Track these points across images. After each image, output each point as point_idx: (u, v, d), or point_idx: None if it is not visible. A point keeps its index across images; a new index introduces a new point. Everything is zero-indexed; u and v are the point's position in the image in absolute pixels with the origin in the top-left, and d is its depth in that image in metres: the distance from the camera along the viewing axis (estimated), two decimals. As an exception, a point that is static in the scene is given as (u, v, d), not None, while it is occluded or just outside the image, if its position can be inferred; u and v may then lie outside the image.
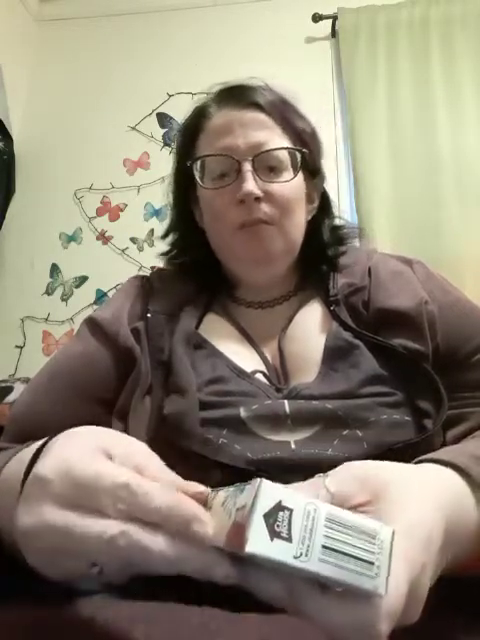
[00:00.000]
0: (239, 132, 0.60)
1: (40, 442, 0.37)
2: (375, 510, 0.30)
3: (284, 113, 0.64)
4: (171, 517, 0.27)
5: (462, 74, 1.72)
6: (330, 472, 0.33)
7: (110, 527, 0.27)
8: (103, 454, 0.31)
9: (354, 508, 0.30)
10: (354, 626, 0.25)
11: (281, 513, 0.25)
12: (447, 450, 0.43)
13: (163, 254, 0.74)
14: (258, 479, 0.26)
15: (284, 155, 0.61)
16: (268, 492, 0.25)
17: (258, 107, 0.62)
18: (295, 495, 0.26)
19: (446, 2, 1.81)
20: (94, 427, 0.35)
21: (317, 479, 0.32)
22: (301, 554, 0.24)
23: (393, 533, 0.26)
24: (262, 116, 0.61)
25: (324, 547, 0.24)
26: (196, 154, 0.64)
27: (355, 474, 0.33)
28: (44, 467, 0.30)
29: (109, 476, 0.28)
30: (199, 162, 0.62)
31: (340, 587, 0.25)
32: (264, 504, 0.25)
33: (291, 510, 0.25)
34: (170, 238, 0.73)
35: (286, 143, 0.62)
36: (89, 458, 0.30)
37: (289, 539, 0.24)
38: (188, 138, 0.67)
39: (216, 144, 0.61)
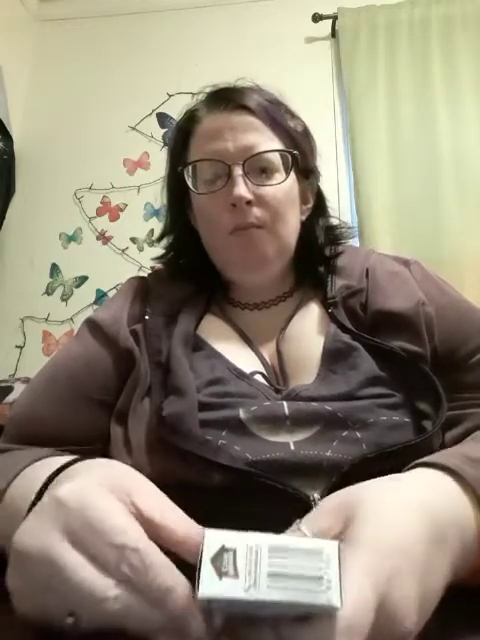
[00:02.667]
0: (228, 136, 0.60)
1: (59, 463, 0.37)
2: (344, 535, 0.30)
3: (274, 114, 0.63)
4: (166, 602, 0.27)
5: (462, 74, 1.72)
6: (306, 516, 0.33)
7: (108, 589, 0.27)
8: (120, 499, 0.30)
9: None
10: None
11: (225, 554, 0.27)
12: (440, 453, 0.42)
13: (158, 258, 0.74)
14: (202, 530, 0.28)
15: (275, 157, 0.61)
16: (211, 539, 0.27)
17: (247, 109, 0.61)
18: (238, 536, 0.27)
19: (446, 2, 1.81)
20: (113, 462, 0.35)
21: (294, 525, 0.32)
22: (249, 586, 0.26)
23: (339, 547, 0.27)
24: (251, 118, 0.61)
25: (270, 574, 0.26)
26: (188, 158, 0.64)
27: (329, 507, 0.33)
28: (64, 490, 0.30)
29: (123, 534, 0.28)
30: (190, 167, 0.62)
31: (296, 608, 0.26)
32: (209, 551, 0.27)
33: (234, 550, 0.27)
34: (165, 241, 0.73)
35: (277, 145, 0.62)
36: (108, 503, 0.30)
37: (236, 575, 0.26)
38: (179, 142, 0.66)
39: (206, 148, 0.61)
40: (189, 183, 0.62)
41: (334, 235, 0.71)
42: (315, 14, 1.90)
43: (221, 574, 0.26)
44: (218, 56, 1.91)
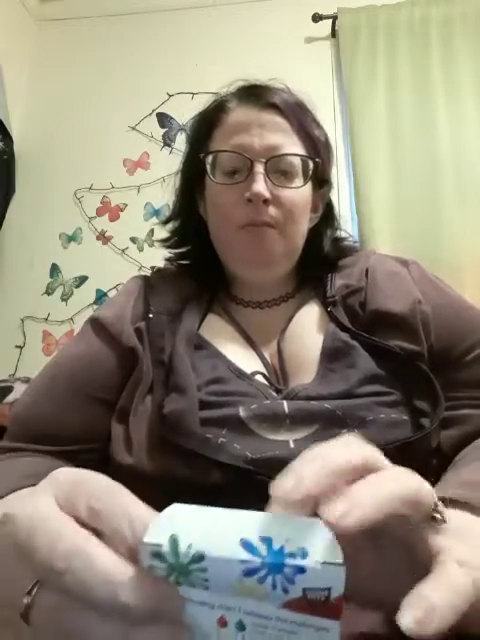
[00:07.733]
0: (256, 132, 0.60)
1: None
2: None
3: (301, 119, 0.64)
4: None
5: (462, 74, 1.72)
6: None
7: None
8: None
9: None
10: None
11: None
12: (444, 484, 0.41)
13: (163, 240, 0.74)
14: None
15: (297, 161, 0.62)
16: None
17: (277, 109, 0.62)
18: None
19: (446, 2, 1.81)
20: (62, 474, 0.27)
21: None
22: None
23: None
24: (280, 119, 0.62)
25: None
26: (210, 147, 0.65)
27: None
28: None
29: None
30: (211, 156, 0.63)
31: None
32: None
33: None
34: (171, 226, 0.73)
35: (300, 149, 0.62)
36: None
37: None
38: (203, 129, 0.67)
39: (231, 140, 0.61)
40: (208, 171, 0.62)
41: (340, 247, 0.72)
42: (315, 14, 1.90)
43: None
44: (218, 56, 1.91)
